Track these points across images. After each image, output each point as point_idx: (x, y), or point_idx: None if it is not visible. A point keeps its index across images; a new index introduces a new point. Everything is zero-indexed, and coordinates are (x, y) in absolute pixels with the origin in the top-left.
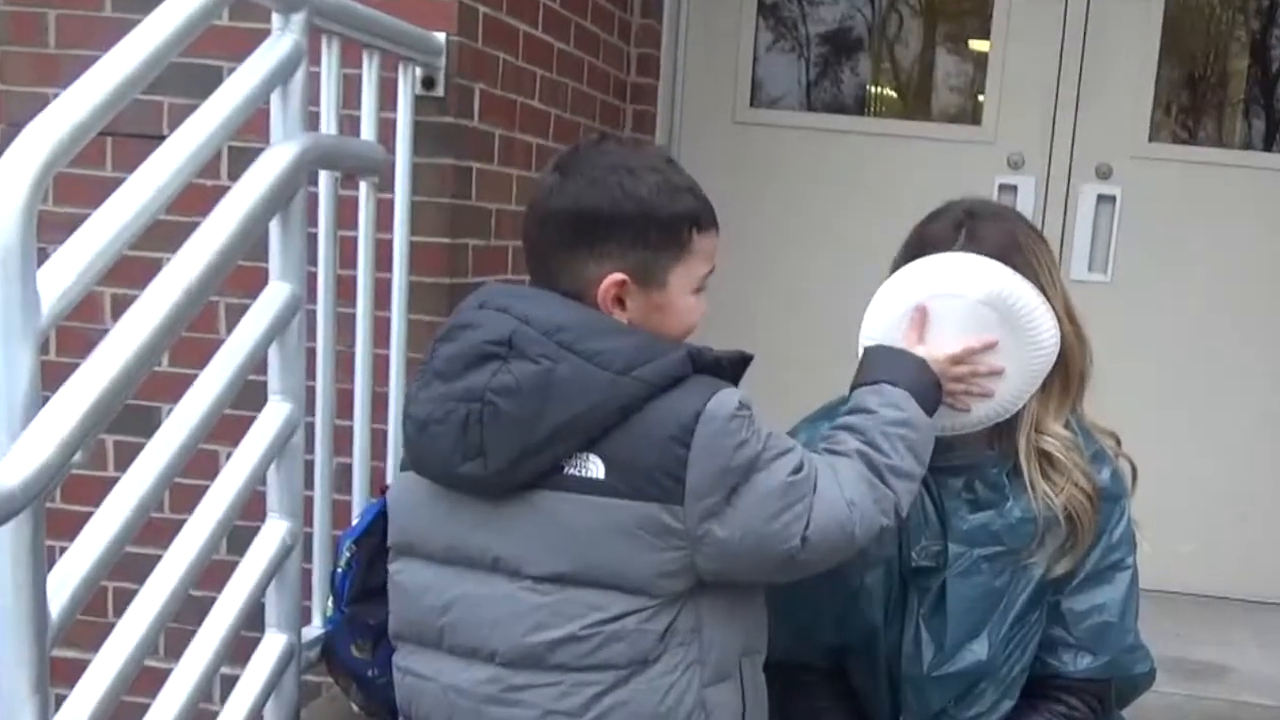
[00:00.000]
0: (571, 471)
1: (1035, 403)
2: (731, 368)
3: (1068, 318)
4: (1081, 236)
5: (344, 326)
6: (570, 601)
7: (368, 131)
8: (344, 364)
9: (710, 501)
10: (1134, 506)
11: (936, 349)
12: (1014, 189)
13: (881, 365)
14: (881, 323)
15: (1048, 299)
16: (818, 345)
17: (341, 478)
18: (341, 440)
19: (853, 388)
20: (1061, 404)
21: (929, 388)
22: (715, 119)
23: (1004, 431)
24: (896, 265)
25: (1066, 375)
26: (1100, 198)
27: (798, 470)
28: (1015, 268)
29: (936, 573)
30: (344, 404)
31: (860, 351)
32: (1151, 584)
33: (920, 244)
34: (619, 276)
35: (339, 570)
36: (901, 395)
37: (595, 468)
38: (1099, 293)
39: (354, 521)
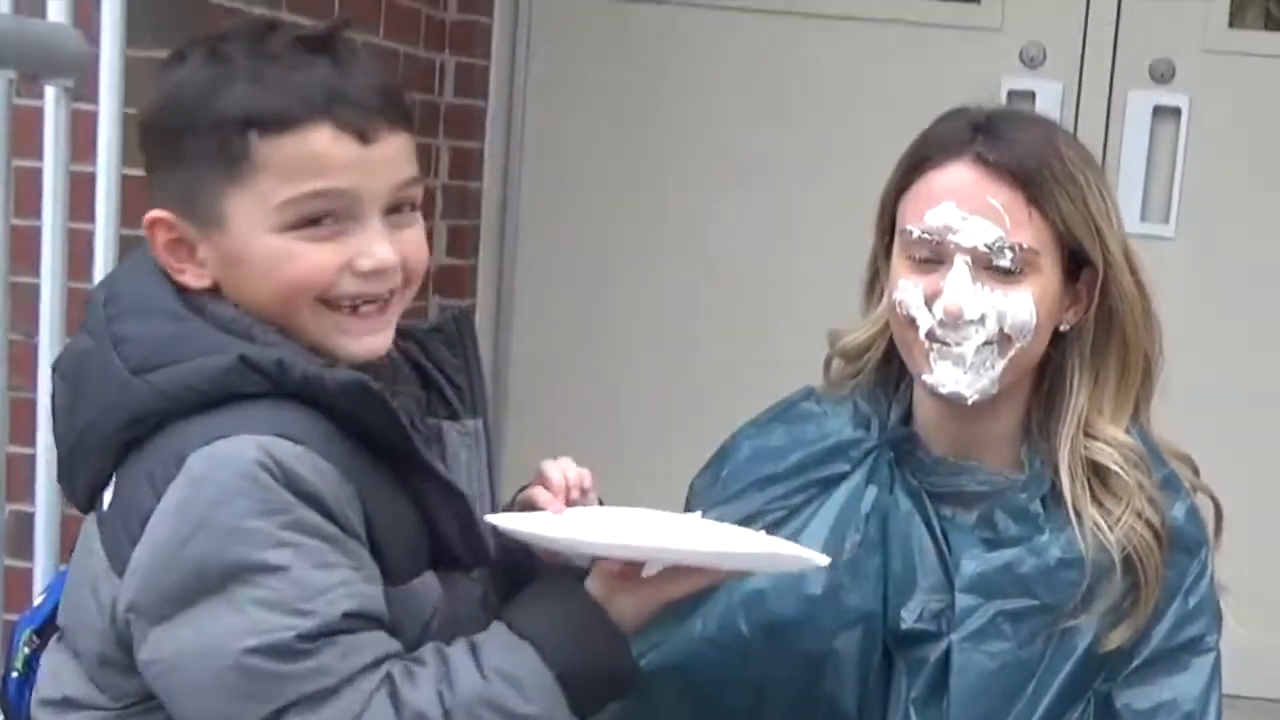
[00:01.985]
0: (105, 493)
1: (1083, 396)
2: (342, 400)
3: (1129, 271)
4: (1131, 170)
5: (21, 303)
6: (61, 666)
7: (57, 9)
8: (21, 361)
9: (142, 595)
10: (1218, 562)
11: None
12: (1031, 96)
13: (548, 616)
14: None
15: (1100, 236)
16: (747, 316)
17: (18, 534)
18: (18, 477)
19: (505, 608)
20: (1120, 399)
21: (606, 678)
22: None
23: (1041, 440)
24: (888, 188)
25: (1125, 356)
26: (1158, 111)
27: (286, 654)
28: (1052, 179)
29: (937, 640)
30: (21, 422)
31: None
32: (1237, 684)
33: (919, 148)
34: (157, 213)
35: (14, 674)
36: (541, 679)
37: (109, 494)
38: (1158, 253)
39: (35, 600)
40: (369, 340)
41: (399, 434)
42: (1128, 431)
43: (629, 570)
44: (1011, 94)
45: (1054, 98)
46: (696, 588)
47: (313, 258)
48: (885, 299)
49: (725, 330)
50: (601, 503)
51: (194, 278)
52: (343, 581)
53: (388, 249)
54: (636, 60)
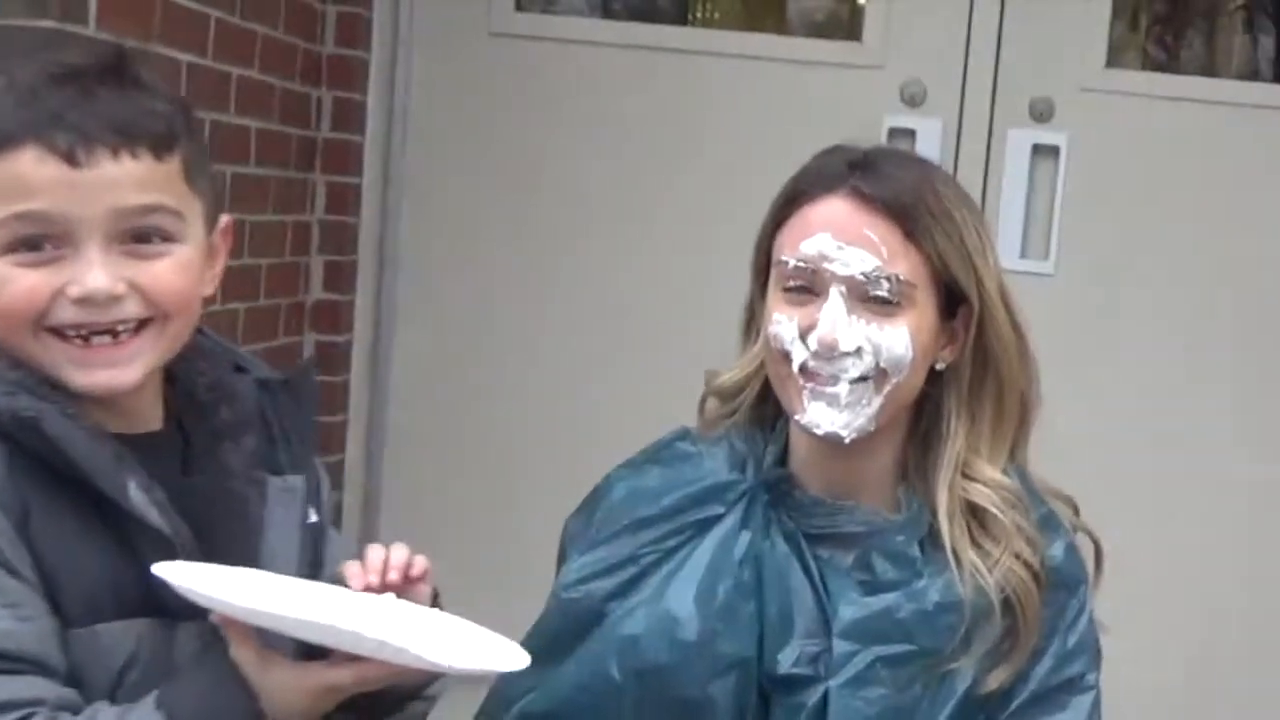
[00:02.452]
0: None
1: (961, 438)
2: (11, 426)
3: (1004, 308)
4: (1010, 207)
5: None
6: None
7: None
8: None
9: None
10: (1096, 600)
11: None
12: (911, 134)
13: (190, 688)
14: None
15: (976, 273)
16: (628, 353)
17: None
18: None
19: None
20: (996, 439)
21: None
22: (465, 28)
23: (918, 480)
24: (763, 228)
25: (1001, 396)
26: (1037, 149)
27: None
28: (929, 215)
29: (814, 684)
30: None
31: None
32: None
33: (794, 184)
34: None
35: None
36: None
37: None
38: (1036, 290)
39: None
40: (102, 374)
41: (82, 471)
42: (1005, 472)
43: (326, 652)
44: (893, 131)
45: (935, 135)
46: (361, 678)
47: (23, 282)
48: (760, 337)
49: (607, 365)
50: (436, 594)
51: None
52: None
53: (101, 276)
54: (516, 95)
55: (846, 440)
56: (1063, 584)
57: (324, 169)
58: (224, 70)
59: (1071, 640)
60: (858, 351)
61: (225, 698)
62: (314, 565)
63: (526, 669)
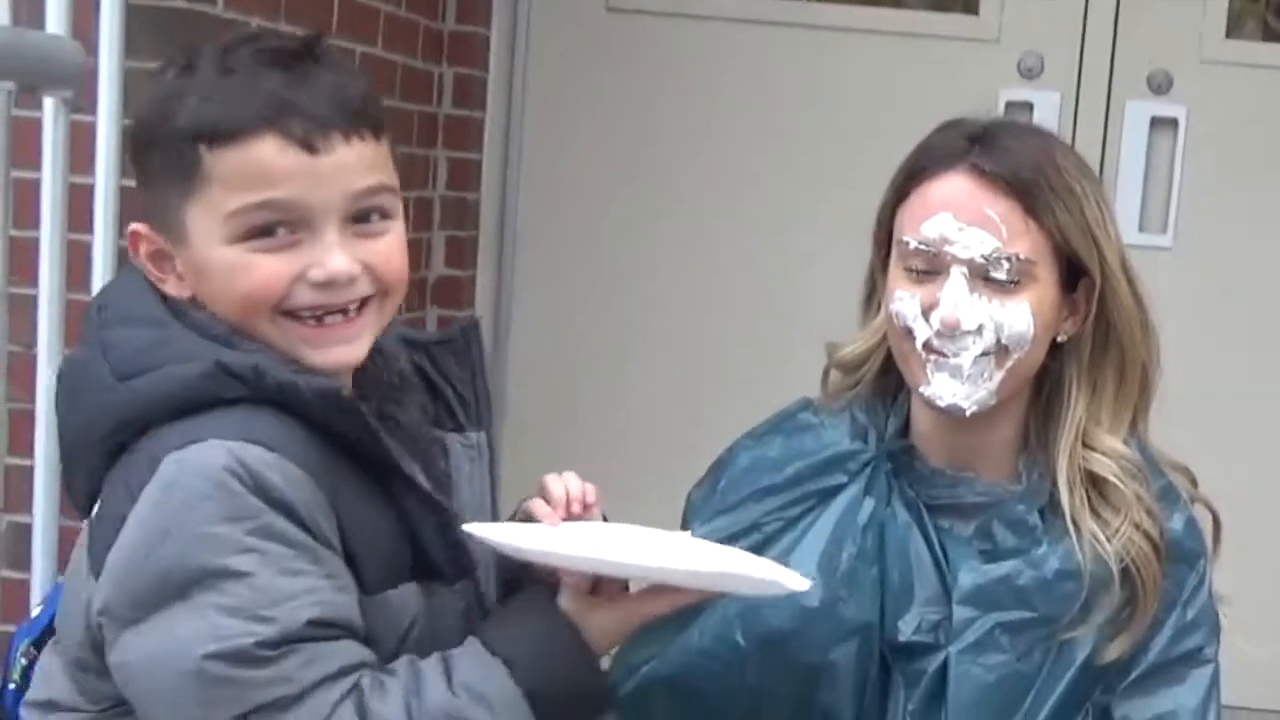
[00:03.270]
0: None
1: (1081, 407)
2: (315, 407)
3: (1126, 281)
4: (1128, 180)
5: (19, 316)
6: (47, 667)
7: (56, 21)
8: (19, 373)
9: (113, 599)
10: (1217, 574)
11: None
12: (1028, 107)
13: (522, 634)
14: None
15: (1098, 246)
16: (748, 326)
17: (15, 545)
18: (16, 488)
19: (482, 626)
20: (1118, 409)
21: (577, 697)
22: (584, 3)
23: (1038, 451)
24: (884, 202)
25: (1123, 367)
26: (1156, 121)
27: (247, 660)
28: (1049, 190)
29: (934, 651)
30: (19, 433)
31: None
32: (1237, 695)
33: (916, 158)
34: (135, 226)
35: (11, 686)
36: (510, 699)
37: (98, 500)
38: (1154, 264)
39: (33, 612)
40: (337, 351)
41: (374, 443)
42: (1125, 443)
43: (601, 586)
44: (1009, 105)
45: (1051, 108)
46: (675, 606)
47: (265, 269)
48: (882, 311)
49: (726, 341)
50: (605, 519)
51: (175, 287)
52: (308, 589)
53: (342, 259)
54: (635, 70)
55: (967, 413)
56: (1182, 557)
57: (445, 145)
58: (348, 48)
59: (1190, 613)
60: (979, 330)
61: (560, 641)
62: (495, 516)
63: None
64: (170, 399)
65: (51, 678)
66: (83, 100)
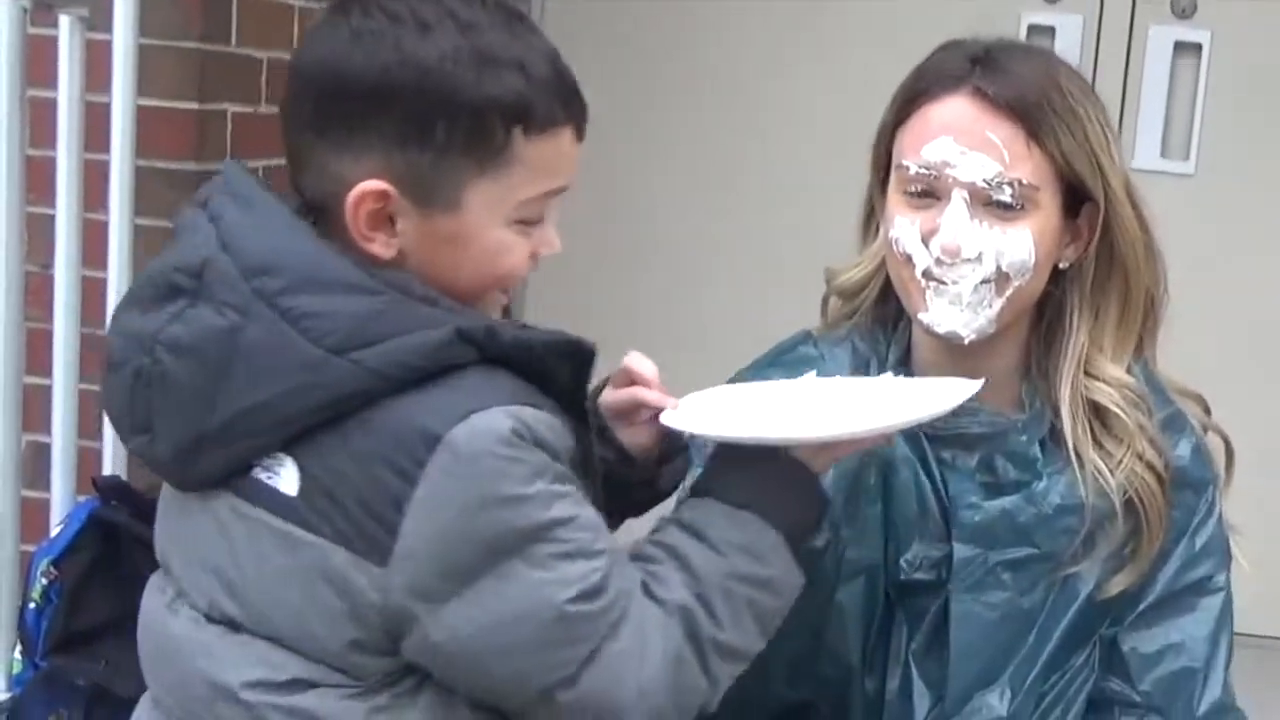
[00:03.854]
0: (261, 477)
1: (1083, 333)
2: (556, 360)
3: (1130, 204)
4: (1151, 106)
5: (37, 235)
6: (246, 648)
7: None
8: (38, 293)
9: (428, 577)
10: (1228, 501)
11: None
12: (1050, 32)
13: (753, 475)
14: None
15: (1101, 170)
16: (754, 274)
17: (35, 464)
18: (35, 407)
19: (699, 486)
20: (1121, 336)
21: (814, 519)
22: None
23: (1040, 380)
24: (883, 123)
25: (1127, 293)
26: (1179, 46)
27: (590, 595)
28: (1053, 114)
29: (936, 589)
30: (38, 352)
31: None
32: (1250, 623)
33: (915, 81)
34: (376, 186)
35: (32, 605)
36: (771, 541)
37: (289, 479)
38: (1176, 190)
39: (53, 531)
40: (495, 314)
41: (581, 384)
42: (1130, 370)
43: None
44: (1032, 28)
45: (1074, 32)
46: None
47: (524, 250)
48: (881, 235)
49: (730, 267)
50: None
51: (382, 248)
52: (599, 516)
53: (558, 242)
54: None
55: (966, 340)
56: (1189, 484)
57: None
58: None
59: (1199, 541)
60: (979, 257)
61: (793, 479)
62: None
63: None
64: (408, 370)
65: (271, 659)
66: (98, 18)
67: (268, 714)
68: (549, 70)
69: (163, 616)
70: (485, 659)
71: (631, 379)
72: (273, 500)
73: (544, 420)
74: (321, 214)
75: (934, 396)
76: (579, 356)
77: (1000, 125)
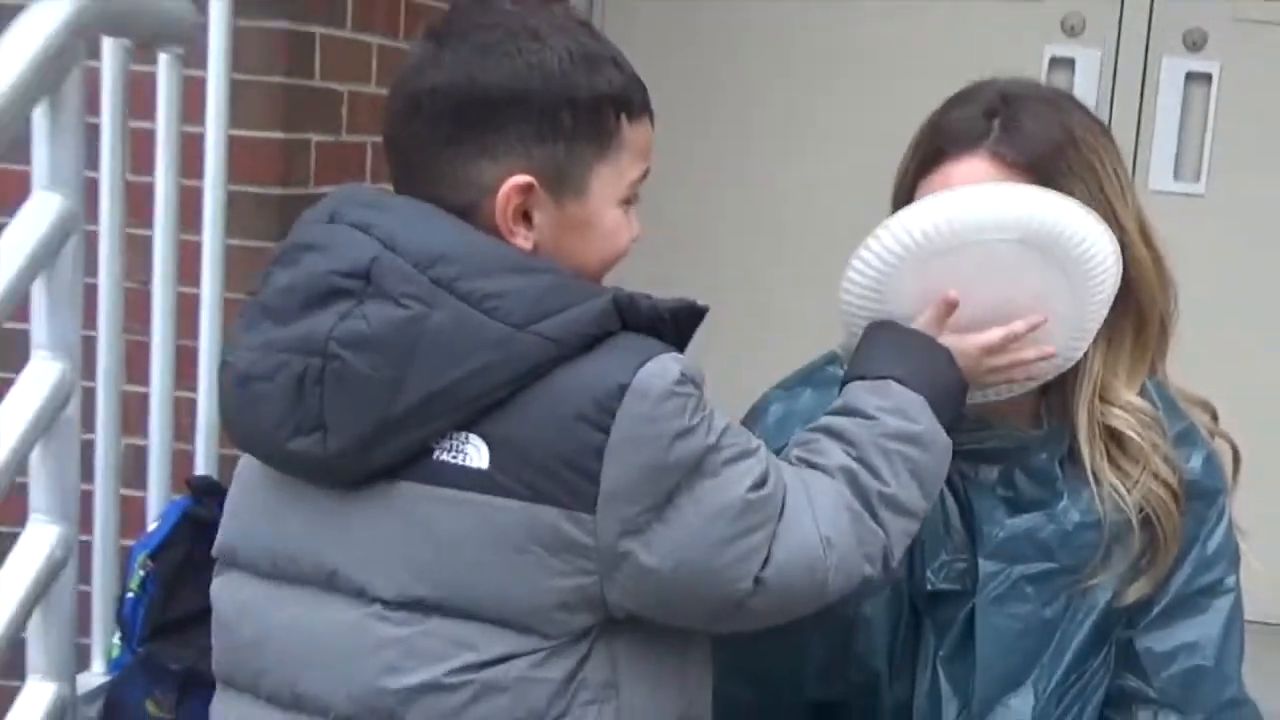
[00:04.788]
0: (444, 458)
1: (1099, 361)
2: (675, 323)
3: (1143, 243)
4: (1164, 131)
5: (137, 254)
6: (433, 636)
7: None
8: (137, 306)
9: (634, 511)
10: (1237, 506)
11: (967, 338)
12: (1070, 64)
13: (890, 354)
14: (885, 290)
15: (1116, 216)
16: (795, 284)
17: (133, 466)
18: (134, 413)
19: (846, 379)
20: (1135, 363)
21: (953, 391)
22: None
23: (1057, 400)
24: (904, 172)
25: (1141, 322)
26: (1191, 76)
27: (761, 483)
28: (1069, 172)
29: (962, 599)
30: (137, 362)
31: (846, 317)
32: (1260, 614)
33: (935, 137)
34: (523, 179)
35: (130, 595)
36: (914, 401)
37: (477, 454)
38: (1188, 210)
39: (149, 527)
40: None
41: (686, 344)
42: (1143, 388)
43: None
44: (1053, 60)
45: (1093, 64)
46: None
47: (633, 229)
48: None
49: (758, 286)
50: None
51: (523, 240)
52: (758, 448)
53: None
54: (692, 39)
55: None
56: (1201, 494)
57: None
58: (365, 41)
59: (1211, 547)
60: None
61: (920, 346)
62: None
63: None
64: (582, 337)
65: (470, 640)
66: (194, 56)
67: (471, 695)
68: (629, 66)
69: (300, 615)
70: (697, 567)
71: None
72: (464, 477)
73: (694, 368)
74: (462, 216)
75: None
76: (695, 316)
77: (1018, 183)
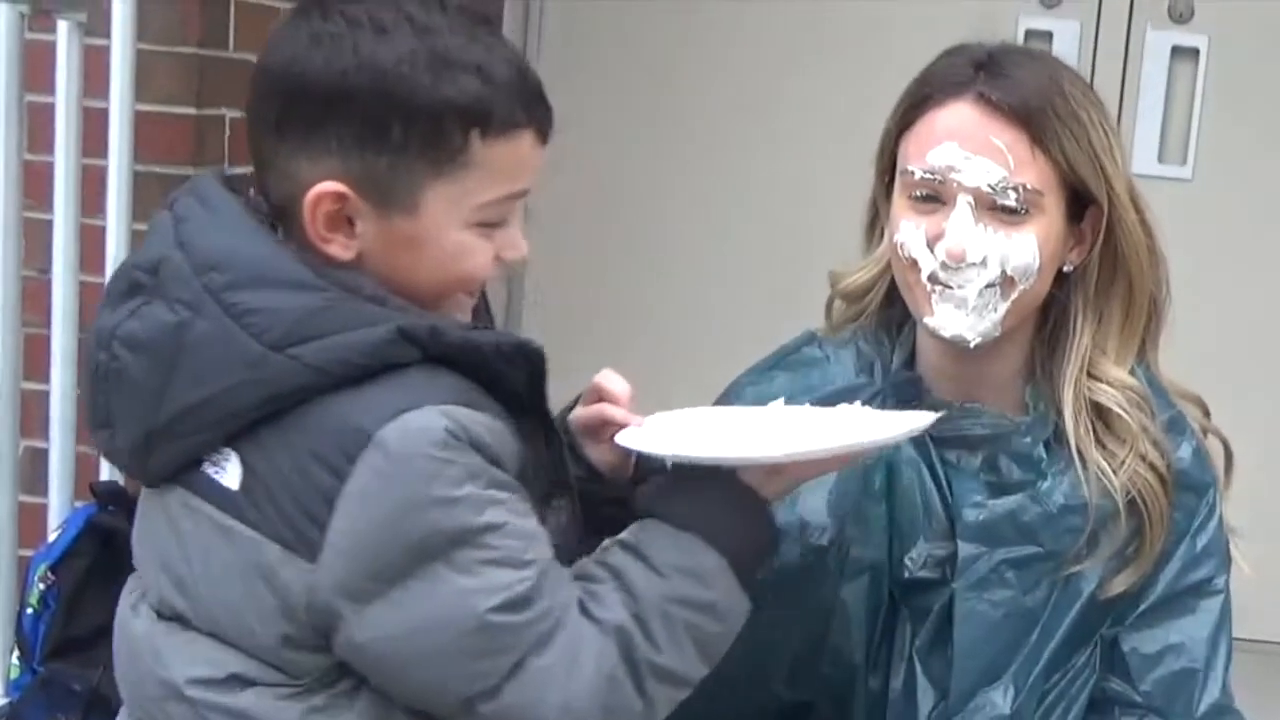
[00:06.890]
0: (209, 471)
1: (1087, 336)
2: (507, 362)
3: (1133, 208)
4: (1148, 111)
5: (35, 240)
6: (195, 645)
7: None
8: (35, 297)
9: (355, 574)
10: (1227, 504)
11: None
12: (1047, 37)
13: (702, 503)
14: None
15: (1104, 174)
16: (759, 276)
17: (32, 470)
18: (33, 413)
19: (650, 500)
20: (1125, 339)
21: (763, 552)
22: None
23: (1045, 385)
24: (887, 131)
25: (1130, 297)
26: (1176, 51)
27: (515, 607)
28: (1055, 118)
29: (941, 588)
30: (35, 357)
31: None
32: (1249, 629)
33: (920, 86)
34: (334, 187)
35: (29, 610)
36: (714, 567)
37: (233, 473)
38: (1173, 195)
39: (50, 536)
40: (464, 317)
41: (537, 387)
42: (1133, 372)
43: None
44: (1029, 33)
45: (1071, 37)
46: (825, 472)
47: (487, 253)
48: (886, 239)
49: (726, 268)
50: None
51: (341, 249)
52: (538, 527)
53: (524, 245)
54: (644, 38)
55: (972, 344)
56: (1190, 487)
57: None
58: None
59: (1200, 543)
60: (984, 261)
61: (741, 505)
62: None
63: None
64: (347, 366)
65: (211, 656)
66: (96, 24)
67: (208, 714)
68: (510, 74)
69: (127, 616)
70: (407, 663)
71: (601, 395)
72: (218, 495)
73: (482, 422)
74: (284, 216)
75: (887, 425)
76: (529, 358)
77: (1004, 130)
